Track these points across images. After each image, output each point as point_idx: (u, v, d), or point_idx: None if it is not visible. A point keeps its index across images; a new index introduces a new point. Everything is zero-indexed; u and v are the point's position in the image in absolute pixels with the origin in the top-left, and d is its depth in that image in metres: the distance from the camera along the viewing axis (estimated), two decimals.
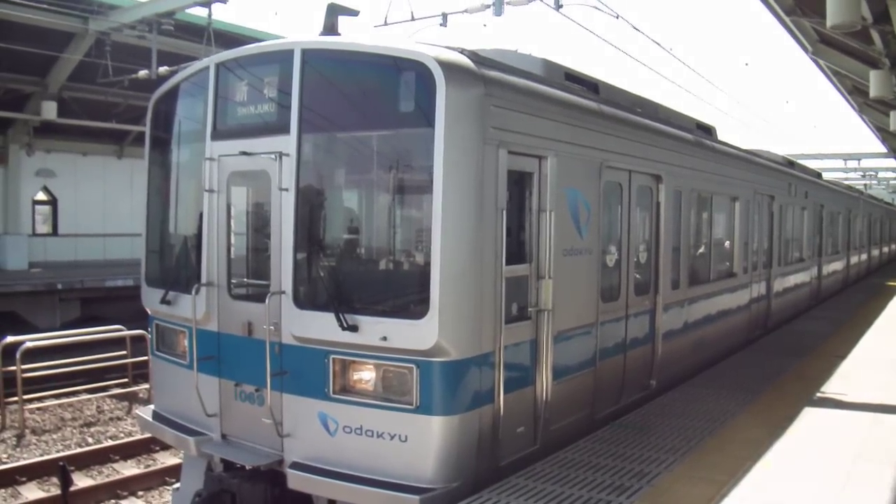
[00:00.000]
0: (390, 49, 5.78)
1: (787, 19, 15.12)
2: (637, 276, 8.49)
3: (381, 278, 6.27)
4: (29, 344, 13.13)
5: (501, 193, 5.83)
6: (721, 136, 12.23)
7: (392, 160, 5.98)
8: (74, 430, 12.79)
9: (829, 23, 10.63)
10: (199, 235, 6.78)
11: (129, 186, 27.97)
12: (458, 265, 5.47)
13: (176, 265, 7.50)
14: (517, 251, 6.29)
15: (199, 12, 19.88)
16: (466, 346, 5.54)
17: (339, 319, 5.62)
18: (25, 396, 12.95)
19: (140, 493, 10.31)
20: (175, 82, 7.37)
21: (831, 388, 9.11)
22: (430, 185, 5.45)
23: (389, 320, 5.59)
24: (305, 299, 5.98)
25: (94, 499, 9.96)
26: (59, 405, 13.91)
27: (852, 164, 48.37)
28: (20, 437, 12.28)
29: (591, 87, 8.12)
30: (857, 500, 5.49)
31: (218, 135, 6.63)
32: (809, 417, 7.73)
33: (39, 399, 13.77)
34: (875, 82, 14.65)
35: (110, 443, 12.05)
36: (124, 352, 14.87)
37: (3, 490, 10.08)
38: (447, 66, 5.47)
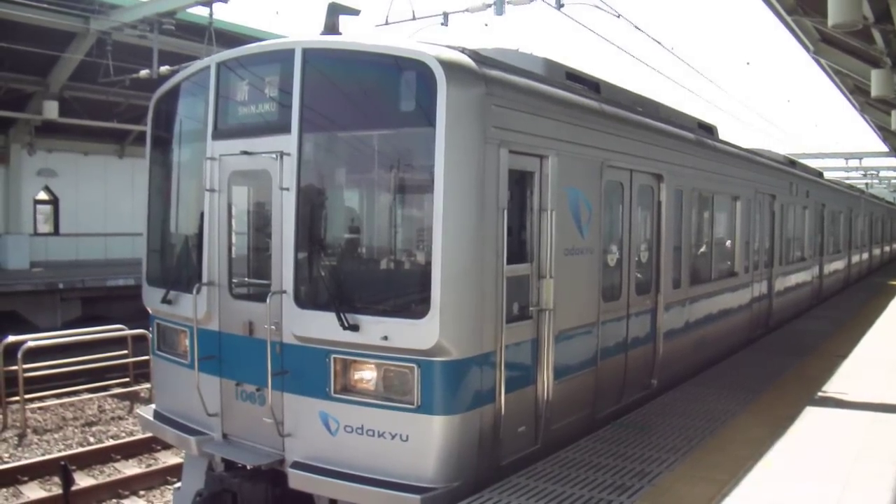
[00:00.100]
0: (391, 48, 5.78)
1: (788, 18, 15.11)
2: (638, 275, 8.48)
3: (382, 278, 6.26)
4: (30, 343, 13.15)
5: (502, 193, 5.83)
6: (722, 135, 12.23)
7: (393, 159, 5.98)
8: (76, 430, 12.80)
9: (830, 22, 10.63)
10: (200, 235, 6.77)
11: (130, 186, 28.00)
12: (459, 264, 5.47)
13: (177, 264, 7.50)
14: (518, 250, 6.29)
15: (201, 12, 19.90)
16: (467, 345, 5.54)
17: (340, 319, 5.62)
18: (27, 396, 12.96)
19: (141, 492, 10.32)
20: (176, 82, 7.37)
21: (833, 387, 9.10)
22: (431, 184, 5.44)
23: (390, 320, 5.59)
24: (306, 299, 5.98)
25: (95, 498, 9.97)
26: (61, 405, 13.93)
27: (853, 163, 48.33)
28: (22, 436, 12.30)
29: (593, 86, 8.11)
30: (858, 499, 5.48)
31: (219, 134, 6.63)
32: (811, 417, 7.73)
33: (41, 398, 13.80)
34: (876, 81, 14.65)
35: (112, 442, 12.07)
36: (125, 351, 14.90)
37: (4, 489, 10.10)
38: (448, 66, 5.47)
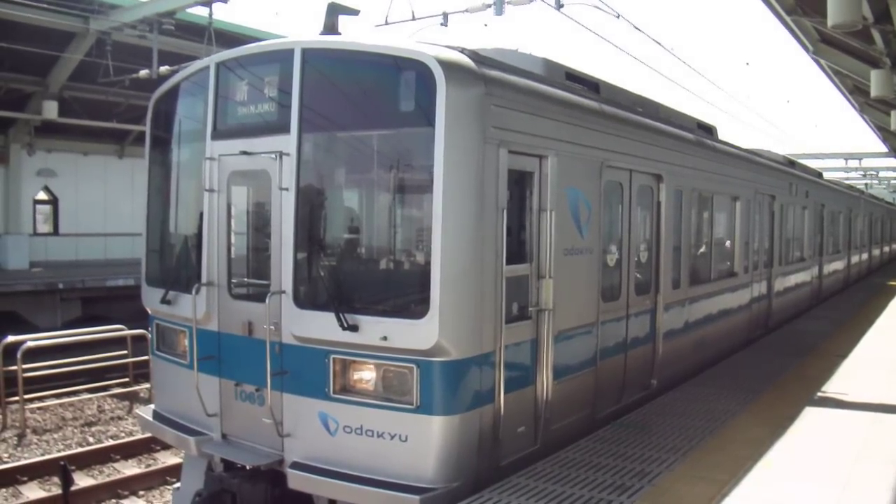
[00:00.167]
0: (391, 48, 5.78)
1: (787, 19, 15.10)
2: (638, 275, 8.48)
3: (381, 278, 6.26)
4: (30, 343, 13.14)
5: (502, 193, 5.83)
6: (722, 135, 12.24)
7: (392, 160, 5.98)
8: (75, 430, 12.79)
9: (829, 22, 10.62)
10: (199, 235, 6.77)
11: (129, 186, 27.99)
12: (458, 265, 5.47)
13: (176, 265, 7.50)
14: (518, 251, 6.28)
15: (200, 12, 19.90)
16: (467, 345, 5.53)
17: (339, 319, 5.61)
18: (26, 396, 12.95)
19: (141, 492, 10.32)
20: (175, 82, 7.37)
21: (832, 387, 9.10)
22: (431, 184, 5.44)
23: (390, 320, 5.59)
24: (306, 299, 5.98)
25: (94, 498, 9.96)
26: (60, 405, 13.92)
27: (853, 163, 48.31)
28: (21, 436, 12.29)
29: (592, 86, 8.11)
30: (858, 499, 5.48)
31: (218, 134, 6.62)
32: (811, 417, 7.73)
33: (40, 399, 13.79)
34: (876, 82, 14.64)
35: (111, 442, 12.06)
36: (125, 351, 14.88)
37: (4, 489, 10.10)
38: (448, 66, 5.47)
